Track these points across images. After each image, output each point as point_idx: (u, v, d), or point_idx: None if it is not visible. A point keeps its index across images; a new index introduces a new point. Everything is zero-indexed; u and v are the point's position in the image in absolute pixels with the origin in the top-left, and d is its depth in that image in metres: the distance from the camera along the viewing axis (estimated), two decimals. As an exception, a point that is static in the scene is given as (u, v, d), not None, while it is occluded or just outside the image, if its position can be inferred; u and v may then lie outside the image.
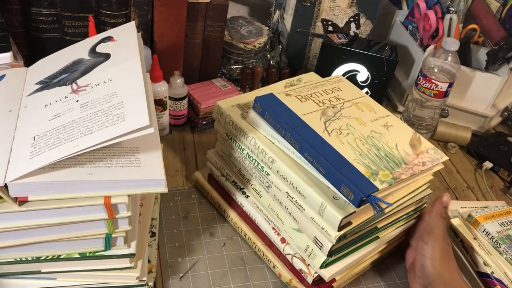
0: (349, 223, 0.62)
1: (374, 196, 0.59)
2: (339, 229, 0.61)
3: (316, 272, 0.66)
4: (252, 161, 0.71)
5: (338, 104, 0.71)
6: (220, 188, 0.80)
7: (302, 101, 0.70)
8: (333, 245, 0.62)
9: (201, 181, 0.84)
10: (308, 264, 0.67)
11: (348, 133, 0.66)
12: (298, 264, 0.68)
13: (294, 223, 0.68)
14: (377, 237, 0.70)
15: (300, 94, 0.71)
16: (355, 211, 0.60)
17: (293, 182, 0.64)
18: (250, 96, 0.77)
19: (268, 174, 0.68)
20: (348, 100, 0.73)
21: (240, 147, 0.72)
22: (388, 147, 0.66)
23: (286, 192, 0.66)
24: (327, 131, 0.65)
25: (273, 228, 0.72)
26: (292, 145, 0.65)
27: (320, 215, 0.62)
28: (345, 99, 0.73)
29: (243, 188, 0.75)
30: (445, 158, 0.68)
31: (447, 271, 0.66)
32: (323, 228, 0.62)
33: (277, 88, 0.78)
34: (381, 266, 0.77)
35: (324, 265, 0.65)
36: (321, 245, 0.64)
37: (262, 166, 0.69)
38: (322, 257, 0.64)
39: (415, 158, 0.66)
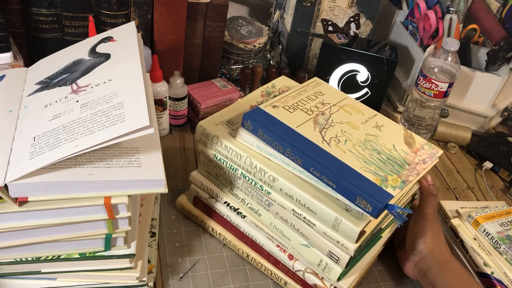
0: (363, 232, 0.60)
1: (392, 205, 0.57)
2: (356, 240, 0.60)
3: (332, 285, 0.65)
4: (248, 180, 0.67)
5: (326, 110, 0.69)
6: (210, 211, 0.76)
7: (290, 112, 0.67)
8: (351, 257, 0.62)
9: (187, 207, 0.79)
10: (322, 278, 0.66)
11: (346, 140, 0.65)
12: (311, 279, 0.67)
13: (302, 239, 0.66)
14: (380, 237, 0.71)
15: (286, 104, 0.69)
16: (370, 221, 0.59)
17: (300, 199, 0.62)
18: (232, 111, 0.73)
19: (269, 193, 0.65)
20: (334, 104, 0.71)
21: (232, 167, 0.68)
22: (387, 149, 0.65)
23: (292, 210, 0.64)
24: (325, 141, 0.64)
25: (278, 246, 0.69)
26: (294, 161, 0.62)
27: (334, 229, 0.60)
28: (330, 103, 0.71)
29: (238, 209, 0.71)
30: (440, 152, 0.69)
31: (437, 247, 0.69)
32: (338, 242, 0.61)
33: (254, 97, 0.76)
34: (381, 266, 0.77)
35: (342, 277, 0.64)
36: (337, 258, 0.62)
37: (261, 185, 0.66)
38: (338, 270, 0.63)
39: (415, 156, 0.66)
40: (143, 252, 0.64)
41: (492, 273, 0.72)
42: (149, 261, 0.68)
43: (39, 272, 0.61)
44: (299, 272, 0.68)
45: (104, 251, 0.60)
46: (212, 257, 0.74)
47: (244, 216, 0.71)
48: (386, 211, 0.59)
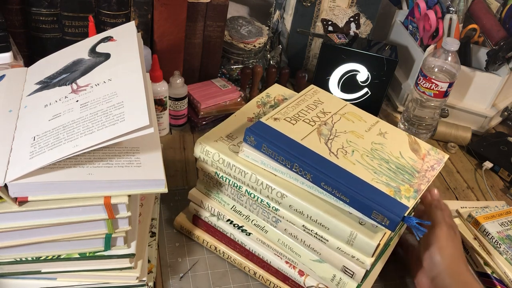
0: (378, 244, 0.59)
1: (409, 217, 0.56)
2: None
3: None
4: (253, 197, 0.65)
5: (328, 120, 0.68)
6: (211, 230, 0.73)
7: (293, 124, 0.65)
8: (367, 271, 0.61)
9: (187, 226, 0.76)
10: None
11: (353, 151, 0.63)
12: None
13: (313, 255, 0.65)
14: (389, 245, 0.70)
15: (287, 116, 0.66)
16: (385, 233, 0.59)
17: (311, 215, 0.60)
18: (230, 125, 0.70)
19: (276, 210, 0.63)
20: (335, 113, 0.69)
21: (235, 185, 0.66)
22: (395, 158, 0.64)
23: (303, 226, 0.62)
24: (333, 153, 0.61)
25: (287, 262, 0.68)
26: (303, 176, 0.60)
27: (349, 244, 0.59)
28: (331, 112, 0.69)
29: (242, 226, 0.69)
30: (447, 156, 0.68)
31: (455, 262, 0.65)
32: (353, 257, 0.60)
33: (250, 108, 0.74)
34: (381, 266, 0.77)
35: None
36: (352, 273, 0.61)
37: (267, 202, 0.64)
38: (353, 284, 0.62)
39: (422, 163, 0.64)
40: (143, 252, 0.64)
41: (492, 273, 0.72)
42: (149, 261, 0.68)
43: (39, 272, 0.61)
44: None
45: (104, 251, 0.60)
46: (212, 257, 0.74)
47: (249, 234, 0.69)
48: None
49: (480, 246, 0.74)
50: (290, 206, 0.62)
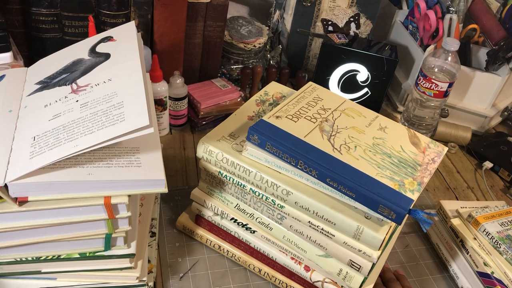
0: (384, 237, 0.60)
1: (415, 210, 0.57)
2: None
3: None
4: (258, 195, 0.65)
5: (329, 116, 0.68)
6: (215, 229, 0.74)
7: (295, 121, 0.65)
8: (373, 264, 0.61)
9: (189, 225, 0.76)
10: (342, 286, 0.66)
11: (356, 146, 0.63)
12: None
13: (319, 250, 0.65)
14: (391, 236, 0.71)
15: (289, 113, 0.66)
16: (391, 226, 0.59)
17: (317, 211, 0.61)
18: (231, 124, 0.70)
19: (282, 207, 0.64)
20: (335, 109, 0.70)
21: (239, 183, 0.66)
22: (397, 152, 0.65)
23: (309, 222, 0.63)
24: (336, 149, 0.62)
25: (292, 258, 0.68)
26: (308, 173, 0.60)
27: (356, 239, 0.60)
28: (331, 108, 0.70)
29: (247, 224, 0.70)
30: (446, 149, 0.69)
31: None
32: (360, 250, 0.60)
33: (250, 106, 0.74)
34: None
35: (363, 283, 0.64)
36: (359, 266, 0.62)
37: (273, 200, 0.64)
38: (360, 277, 0.63)
39: (423, 156, 0.65)
40: (143, 252, 0.64)
41: (492, 273, 0.72)
42: (149, 261, 0.67)
43: (39, 272, 0.61)
44: (317, 283, 0.67)
45: (104, 251, 0.60)
46: (212, 257, 0.74)
47: (254, 231, 0.70)
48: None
49: (480, 246, 0.74)
50: (295, 203, 0.62)
